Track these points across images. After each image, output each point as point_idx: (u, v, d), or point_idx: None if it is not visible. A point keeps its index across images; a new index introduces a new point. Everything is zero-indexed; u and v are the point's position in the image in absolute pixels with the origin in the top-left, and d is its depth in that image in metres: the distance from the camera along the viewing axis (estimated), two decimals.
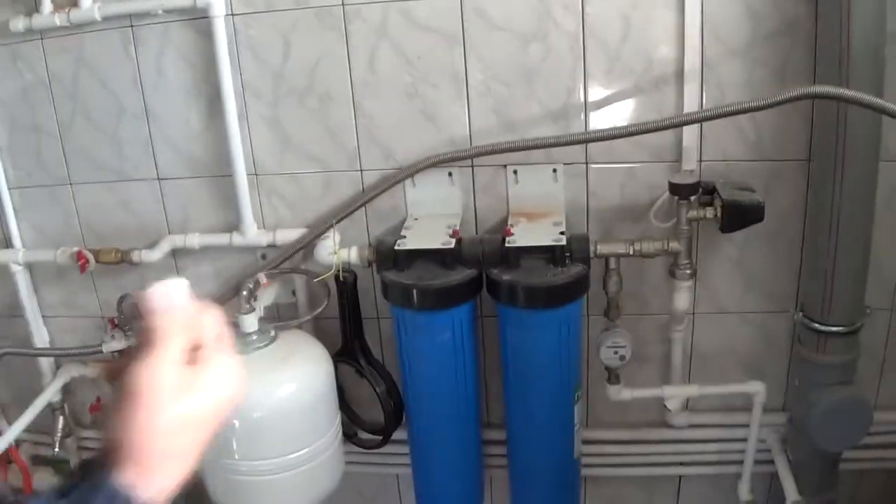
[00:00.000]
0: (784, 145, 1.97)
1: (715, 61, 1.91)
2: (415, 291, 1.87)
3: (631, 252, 1.93)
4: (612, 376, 2.03)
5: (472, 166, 2.02)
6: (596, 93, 1.95)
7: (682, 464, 2.28)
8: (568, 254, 1.88)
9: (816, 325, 1.94)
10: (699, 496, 2.38)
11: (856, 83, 1.70)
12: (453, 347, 1.94)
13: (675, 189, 1.89)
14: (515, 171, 2.01)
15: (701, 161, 1.97)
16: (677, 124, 1.85)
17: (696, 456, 2.25)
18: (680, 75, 1.92)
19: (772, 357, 2.16)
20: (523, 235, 1.91)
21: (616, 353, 1.98)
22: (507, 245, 1.88)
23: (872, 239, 1.93)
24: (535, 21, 1.91)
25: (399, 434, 2.18)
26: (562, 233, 1.91)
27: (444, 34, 1.94)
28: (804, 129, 1.95)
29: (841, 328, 1.92)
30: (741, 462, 2.20)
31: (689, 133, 1.95)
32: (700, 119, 1.87)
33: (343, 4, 1.95)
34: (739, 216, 1.89)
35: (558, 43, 1.92)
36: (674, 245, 1.93)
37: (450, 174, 2.05)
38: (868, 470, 2.28)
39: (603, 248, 1.93)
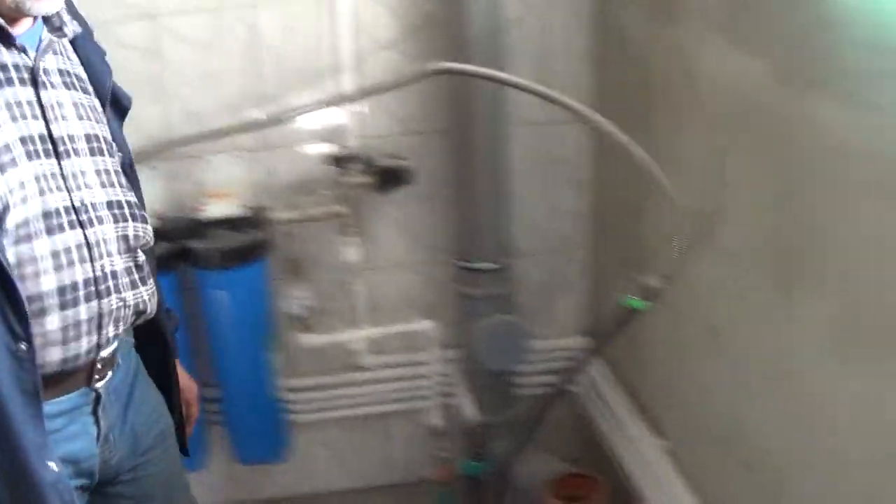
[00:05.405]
0: (430, 120, 2.39)
1: (366, 55, 2.31)
2: None
3: (302, 217, 2.28)
4: (301, 326, 2.35)
5: (172, 158, 2.29)
6: (268, 87, 2.30)
7: (382, 402, 2.59)
8: (250, 223, 2.22)
9: (469, 265, 2.34)
10: (405, 431, 2.69)
11: (477, 62, 2.10)
12: None
13: (333, 162, 2.26)
14: (207, 159, 2.31)
15: (362, 138, 2.35)
16: (314, 108, 2.24)
17: (393, 394, 2.58)
18: (336, 69, 2.30)
19: (443, 300, 2.52)
20: (212, 211, 2.23)
21: (299, 304, 2.31)
22: (198, 219, 2.20)
23: (517, 193, 2.35)
24: (214, 32, 2.25)
25: None
26: (245, 206, 2.25)
27: (141, 49, 2.24)
28: (446, 104, 2.34)
29: (488, 266, 2.32)
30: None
31: (347, 116, 2.33)
32: (328, 104, 2.26)
33: None
34: (390, 179, 2.28)
35: (234, 48, 2.27)
36: (338, 208, 2.29)
37: (154, 167, 2.34)
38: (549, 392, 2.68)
39: (279, 216, 2.28)
